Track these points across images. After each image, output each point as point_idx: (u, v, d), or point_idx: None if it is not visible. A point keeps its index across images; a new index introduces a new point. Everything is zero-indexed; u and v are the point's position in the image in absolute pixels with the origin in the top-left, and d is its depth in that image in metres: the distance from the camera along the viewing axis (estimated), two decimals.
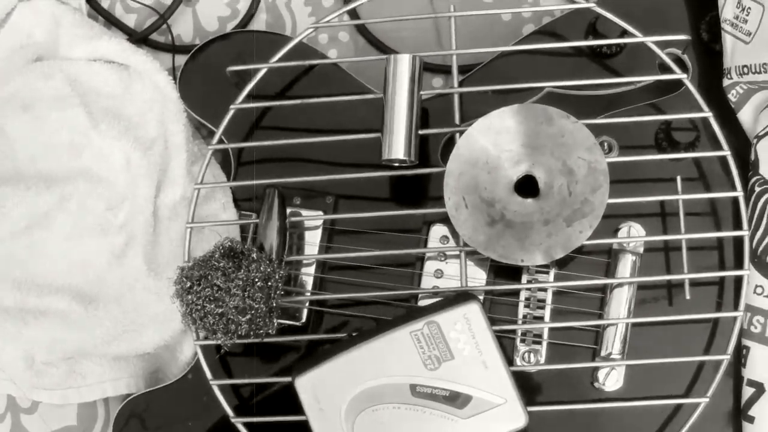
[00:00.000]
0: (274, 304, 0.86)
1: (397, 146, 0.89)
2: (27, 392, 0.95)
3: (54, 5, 1.00)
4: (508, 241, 0.87)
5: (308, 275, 0.94)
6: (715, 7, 0.93)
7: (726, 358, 0.87)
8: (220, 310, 0.84)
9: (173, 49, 1.06)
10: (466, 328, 0.84)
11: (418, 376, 0.84)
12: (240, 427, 0.90)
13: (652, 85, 0.95)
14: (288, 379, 0.85)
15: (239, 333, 0.85)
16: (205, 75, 0.99)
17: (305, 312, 0.94)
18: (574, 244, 0.86)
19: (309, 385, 0.85)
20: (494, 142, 0.89)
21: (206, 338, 0.89)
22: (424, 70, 0.94)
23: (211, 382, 0.91)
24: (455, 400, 0.83)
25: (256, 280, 0.85)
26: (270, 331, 0.87)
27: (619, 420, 0.91)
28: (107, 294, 0.94)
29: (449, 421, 0.83)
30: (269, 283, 0.85)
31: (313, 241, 0.95)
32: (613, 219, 0.92)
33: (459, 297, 0.86)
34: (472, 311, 0.84)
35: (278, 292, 0.86)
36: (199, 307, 0.85)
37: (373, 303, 0.94)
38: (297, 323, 0.93)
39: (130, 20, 1.09)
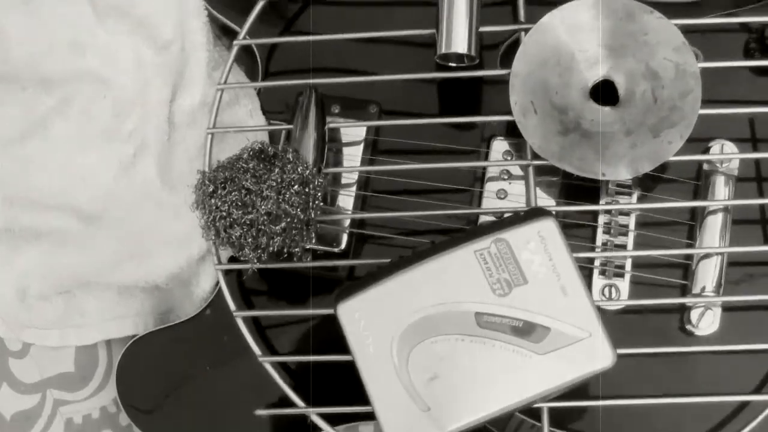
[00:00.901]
0: (313, 215, 0.73)
1: (457, 38, 0.76)
2: (17, 332, 0.82)
3: None
4: (584, 152, 0.75)
5: (349, 195, 0.81)
6: None
7: None
8: (250, 217, 0.71)
9: None
10: (541, 248, 0.71)
11: (485, 303, 0.70)
12: (269, 368, 0.77)
13: None
14: (328, 311, 0.71)
15: (271, 248, 0.72)
16: None
17: (345, 237, 0.80)
18: (663, 156, 0.74)
19: (354, 313, 0.71)
20: (567, 40, 0.77)
21: (231, 260, 0.76)
22: None
23: (234, 314, 0.77)
24: (530, 332, 0.70)
25: (293, 183, 0.72)
26: (307, 245, 0.74)
27: (714, 368, 0.78)
28: (113, 211, 0.81)
29: (523, 356, 0.69)
30: (307, 189, 0.72)
31: (353, 157, 0.82)
32: (700, 142, 0.79)
33: (530, 213, 0.73)
34: (548, 228, 0.71)
35: (317, 201, 0.73)
36: (224, 214, 0.71)
37: (426, 230, 0.81)
38: (335, 250, 0.80)
39: None
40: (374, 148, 0.82)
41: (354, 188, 0.81)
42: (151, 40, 0.83)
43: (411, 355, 0.70)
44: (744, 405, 0.77)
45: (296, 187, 0.72)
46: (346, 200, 0.81)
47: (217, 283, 0.80)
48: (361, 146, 0.82)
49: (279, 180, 0.71)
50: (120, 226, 0.80)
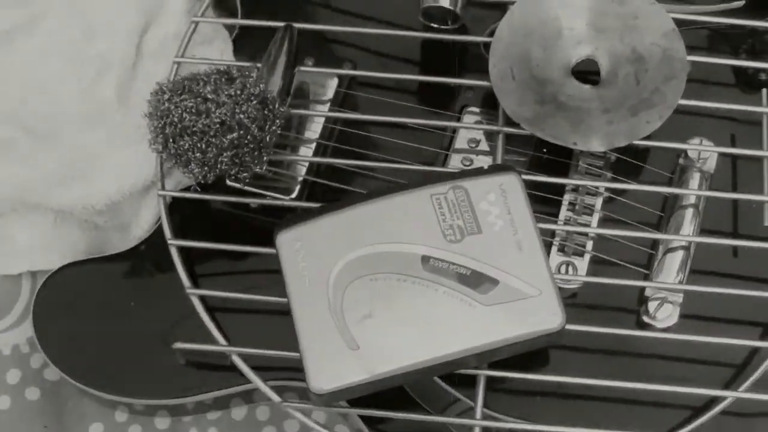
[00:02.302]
0: (269, 139, 0.69)
1: None
2: None
3: None
4: (558, 122, 0.72)
5: (309, 147, 0.77)
6: None
7: None
8: (202, 123, 0.67)
9: None
10: (501, 201, 0.68)
11: (434, 246, 0.67)
12: (195, 302, 0.72)
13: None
14: (269, 249, 0.68)
15: (220, 166, 0.68)
16: None
17: (297, 188, 0.76)
18: (639, 133, 0.71)
19: (294, 242, 0.67)
20: (555, 15, 0.75)
21: (175, 188, 0.73)
22: None
23: (169, 243, 0.73)
24: (477, 281, 0.65)
25: (252, 98, 0.68)
26: (258, 169, 0.70)
27: (669, 367, 0.72)
28: (65, 127, 0.77)
29: (466, 305, 0.65)
30: (267, 109, 0.69)
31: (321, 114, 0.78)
32: (678, 142, 0.76)
33: (494, 168, 0.70)
34: (511, 182, 0.68)
35: (276, 125, 0.70)
36: (176, 120, 0.68)
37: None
38: (286, 198, 0.75)
39: None
40: (343, 106, 0.79)
41: (313, 146, 0.77)
42: None
43: (347, 290, 0.66)
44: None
45: (255, 102, 0.68)
46: (307, 152, 0.77)
47: (157, 221, 0.76)
48: (329, 104, 0.78)
49: (239, 92, 0.68)
50: (69, 144, 0.77)
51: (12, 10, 0.79)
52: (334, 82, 0.79)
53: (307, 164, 0.77)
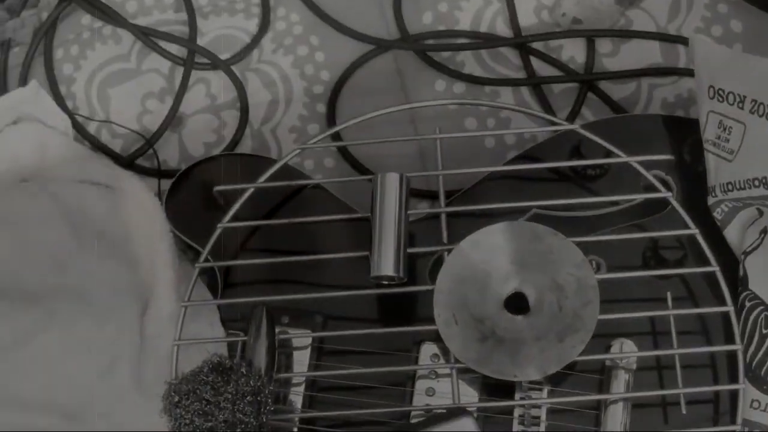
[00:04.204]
0: (265, 420, 0.84)
1: (387, 263, 0.89)
2: None
3: (40, 129, 1.02)
4: (500, 357, 0.87)
5: (297, 394, 0.93)
6: (696, 129, 0.95)
7: None
8: (210, 425, 0.82)
9: (159, 173, 1.06)
10: None
11: None
12: None
13: (635, 206, 0.96)
14: None
15: None
16: (192, 196, 0.99)
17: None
18: (567, 359, 0.86)
19: None
20: (483, 260, 0.89)
21: None
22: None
23: None
24: None
25: (246, 394, 0.83)
26: None
27: None
28: (94, 410, 0.92)
29: None
30: (259, 398, 0.84)
31: (301, 361, 0.93)
32: (604, 337, 0.91)
33: (451, 412, 0.85)
34: (466, 426, 0.83)
35: (268, 407, 0.85)
36: (187, 422, 0.83)
37: (365, 423, 0.92)
38: None
39: (116, 145, 1.11)
40: (320, 352, 0.94)
41: (302, 387, 0.93)
42: (124, 261, 0.95)
43: None
44: None
45: (249, 398, 0.83)
46: (296, 399, 0.93)
47: None
48: (308, 351, 0.94)
49: (234, 392, 0.83)
50: (100, 424, 0.91)
51: (30, 311, 0.93)
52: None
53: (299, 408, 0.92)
